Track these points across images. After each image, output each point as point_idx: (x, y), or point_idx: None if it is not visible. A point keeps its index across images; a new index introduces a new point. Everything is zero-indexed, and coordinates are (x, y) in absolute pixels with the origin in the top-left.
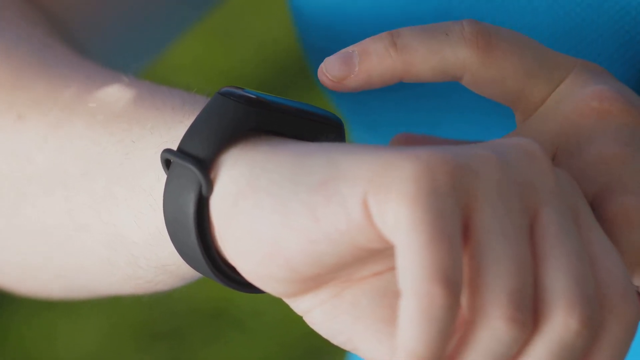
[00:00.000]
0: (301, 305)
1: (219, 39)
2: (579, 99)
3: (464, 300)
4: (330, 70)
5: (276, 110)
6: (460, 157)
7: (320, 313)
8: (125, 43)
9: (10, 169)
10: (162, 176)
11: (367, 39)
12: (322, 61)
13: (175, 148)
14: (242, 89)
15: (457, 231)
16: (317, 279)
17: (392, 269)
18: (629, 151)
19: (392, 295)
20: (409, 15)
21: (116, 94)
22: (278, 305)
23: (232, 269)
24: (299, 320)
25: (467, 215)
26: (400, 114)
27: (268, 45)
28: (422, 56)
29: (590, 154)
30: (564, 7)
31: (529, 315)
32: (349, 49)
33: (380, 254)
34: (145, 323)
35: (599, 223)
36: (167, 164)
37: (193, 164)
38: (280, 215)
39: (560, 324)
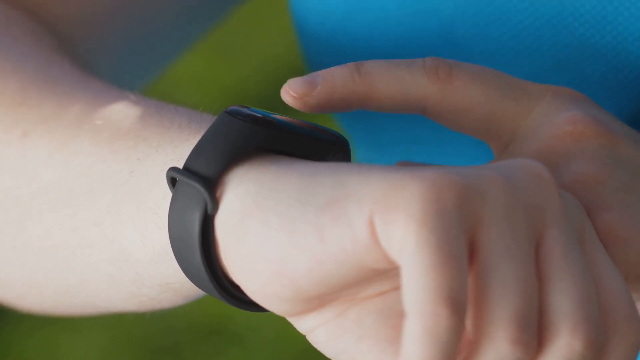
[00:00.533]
0: (305, 324)
1: (220, 55)
2: (554, 124)
3: (469, 320)
4: (293, 87)
5: (282, 129)
6: (467, 178)
7: (324, 332)
8: (130, 60)
9: (16, 185)
10: (168, 194)
11: (333, 67)
12: None
13: (181, 166)
14: (248, 107)
15: (463, 252)
16: (321, 298)
17: (396, 288)
18: (607, 170)
19: (396, 315)
20: (411, 32)
21: (122, 111)
22: (276, 322)
23: (237, 287)
24: (297, 336)
25: (473, 236)
26: (406, 133)
27: (270, 61)
28: (385, 83)
29: (568, 175)
30: (567, 27)
31: (534, 336)
32: (315, 73)
33: (385, 273)
34: (145, 338)
35: None
36: (172, 182)
37: (198, 182)
38: (287, 235)
39: (564, 345)
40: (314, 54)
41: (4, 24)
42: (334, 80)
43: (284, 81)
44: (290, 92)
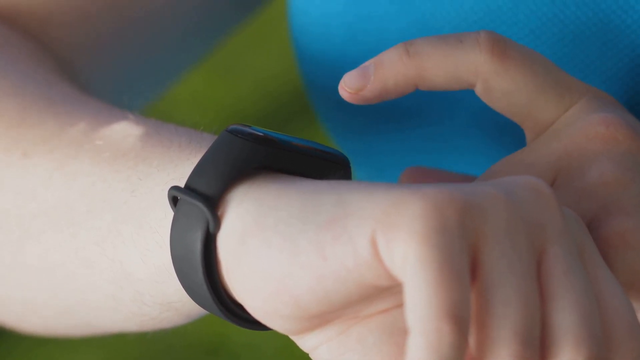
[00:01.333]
0: (307, 343)
1: (220, 75)
2: (586, 123)
3: (472, 337)
4: (348, 83)
5: (283, 148)
6: (469, 195)
7: (327, 350)
8: (129, 82)
9: (16, 206)
10: (169, 213)
11: (383, 52)
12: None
13: (182, 185)
14: (249, 126)
15: (465, 269)
16: (324, 316)
17: (399, 306)
18: (630, 176)
19: (399, 333)
20: None
21: (122, 131)
22: (275, 340)
23: (239, 306)
24: (296, 354)
25: (475, 253)
26: (404, 155)
27: (269, 81)
28: (435, 61)
29: (592, 175)
30: (567, 54)
31: (536, 353)
32: (366, 62)
33: (387, 291)
34: (142, 358)
35: (595, 243)
36: (174, 200)
37: (200, 200)
38: (289, 253)
39: None
40: (314, 78)
41: (3, 45)
42: (384, 66)
43: (283, 101)
44: (346, 88)
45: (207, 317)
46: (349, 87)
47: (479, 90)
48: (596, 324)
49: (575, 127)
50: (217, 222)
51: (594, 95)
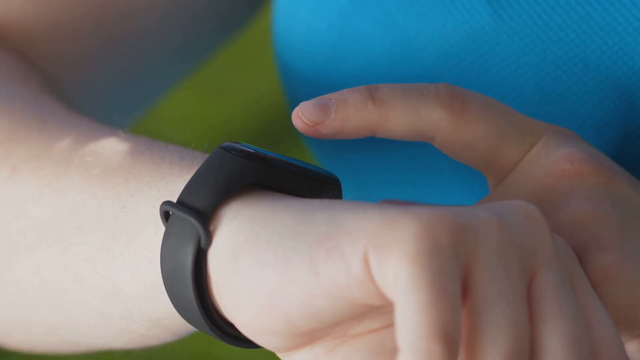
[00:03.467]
0: None
1: (208, 93)
2: (550, 161)
3: (461, 358)
4: (305, 113)
5: (275, 165)
6: (461, 217)
7: None
8: (117, 98)
9: (5, 222)
10: (160, 229)
11: (345, 90)
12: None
13: (173, 201)
14: (241, 143)
15: (456, 290)
16: (313, 334)
17: (387, 326)
18: (603, 209)
19: (386, 353)
20: (396, 79)
21: (112, 148)
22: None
23: (228, 323)
24: None
25: (467, 275)
26: (388, 174)
27: (258, 100)
28: (398, 112)
29: (565, 214)
30: (549, 74)
31: None
32: (327, 96)
33: (376, 311)
34: None
35: None
36: (166, 216)
37: (193, 216)
38: (281, 269)
39: None
40: (297, 96)
41: None
42: (347, 107)
43: (272, 119)
44: (303, 119)
45: (194, 334)
46: (306, 118)
47: (438, 144)
48: (586, 350)
49: (540, 167)
50: (209, 237)
51: (553, 131)
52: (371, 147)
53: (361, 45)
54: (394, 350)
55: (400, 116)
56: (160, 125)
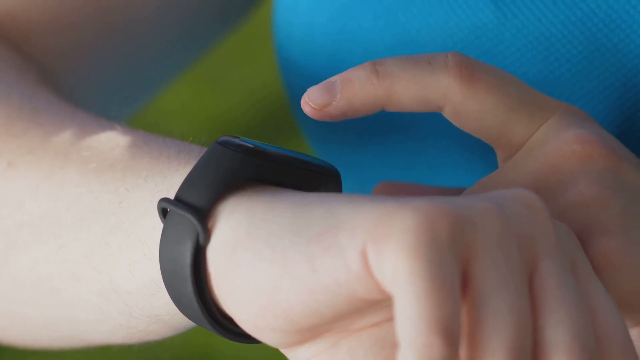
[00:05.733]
0: (298, 356)
1: (207, 85)
2: (561, 141)
3: (463, 351)
4: (312, 98)
5: (274, 159)
6: (460, 208)
7: None
8: (114, 91)
9: (1, 216)
10: (158, 225)
11: (350, 69)
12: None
13: (171, 197)
14: (239, 137)
15: (455, 283)
16: (314, 330)
17: (389, 319)
18: (609, 194)
19: (389, 347)
20: None
21: (110, 142)
22: (262, 352)
23: (228, 319)
24: None
25: (466, 267)
26: (387, 169)
27: (256, 92)
28: (404, 83)
29: (571, 195)
30: (553, 72)
31: None
32: (332, 78)
33: (377, 304)
34: None
35: None
36: (163, 212)
37: (190, 212)
38: (279, 266)
39: None
40: (297, 89)
41: None
42: (352, 85)
43: (272, 111)
44: (310, 104)
45: (193, 329)
46: (313, 102)
47: (447, 114)
48: (590, 339)
49: (550, 146)
50: (207, 234)
51: (566, 110)
52: (370, 141)
53: (362, 40)
54: (396, 343)
55: (407, 87)
56: (159, 117)
